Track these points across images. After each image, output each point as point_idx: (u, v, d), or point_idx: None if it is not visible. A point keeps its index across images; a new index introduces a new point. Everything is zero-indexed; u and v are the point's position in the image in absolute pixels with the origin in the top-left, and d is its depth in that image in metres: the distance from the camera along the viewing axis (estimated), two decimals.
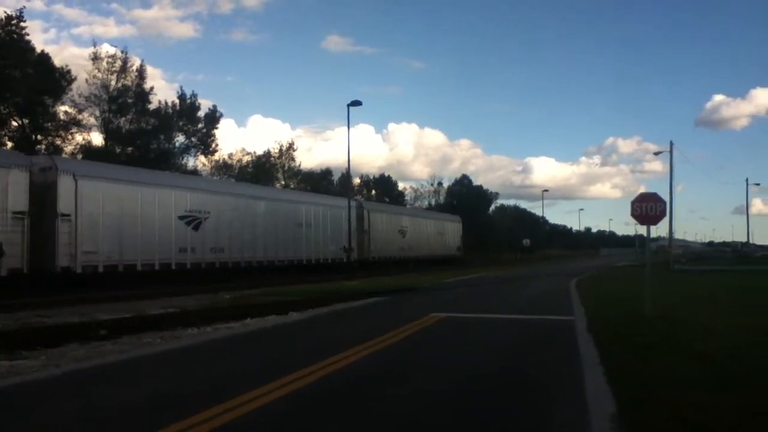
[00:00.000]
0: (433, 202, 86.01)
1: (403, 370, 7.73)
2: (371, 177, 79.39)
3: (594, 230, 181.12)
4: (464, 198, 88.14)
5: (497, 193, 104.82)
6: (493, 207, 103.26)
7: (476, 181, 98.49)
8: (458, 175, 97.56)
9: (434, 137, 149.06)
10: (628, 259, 71.77)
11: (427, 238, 51.00)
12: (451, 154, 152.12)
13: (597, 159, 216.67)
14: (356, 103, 32.47)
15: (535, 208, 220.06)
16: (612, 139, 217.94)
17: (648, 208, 13.93)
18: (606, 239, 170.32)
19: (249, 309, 16.25)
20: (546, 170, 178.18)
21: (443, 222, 57.14)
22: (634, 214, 14.09)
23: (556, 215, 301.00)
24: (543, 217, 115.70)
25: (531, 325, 12.70)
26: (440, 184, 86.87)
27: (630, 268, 44.61)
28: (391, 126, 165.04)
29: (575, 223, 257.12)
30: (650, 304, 13.58)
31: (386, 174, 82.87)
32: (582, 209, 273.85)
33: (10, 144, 33.26)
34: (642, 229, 16.75)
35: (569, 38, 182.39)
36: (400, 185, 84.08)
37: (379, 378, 7.20)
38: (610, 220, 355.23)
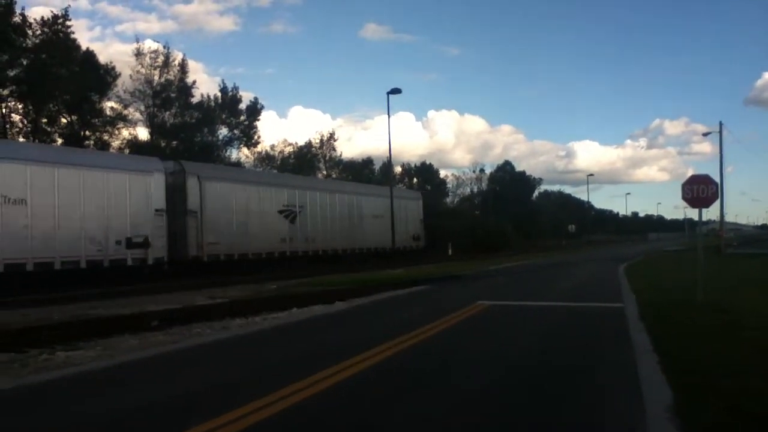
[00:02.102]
0: (475, 189, 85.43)
1: (451, 360, 7.67)
2: (412, 165, 79.22)
3: (641, 215, 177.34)
4: (507, 184, 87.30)
5: (540, 179, 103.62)
6: (536, 193, 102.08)
7: (519, 167, 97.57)
8: (500, 162, 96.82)
9: (475, 123, 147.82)
10: (678, 244, 70.15)
11: (350, 222, 36.47)
12: (492, 140, 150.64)
13: (643, 141, 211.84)
14: (396, 91, 32.35)
15: (579, 193, 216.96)
16: (658, 121, 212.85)
17: (699, 190, 13.53)
18: (654, 224, 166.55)
19: (295, 299, 16.43)
20: (590, 154, 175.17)
21: (386, 200, 38.22)
22: (685, 197, 13.70)
23: (601, 200, 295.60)
24: (588, 202, 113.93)
25: (580, 313, 12.49)
26: (482, 170, 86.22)
27: (679, 253, 43.56)
28: (431, 113, 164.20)
29: (622, 208, 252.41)
30: (702, 289, 13.22)
31: (427, 162, 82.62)
32: (628, 193, 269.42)
33: (60, 140, 34.19)
34: (691, 213, 16.26)
35: (612, 17, 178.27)
36: (442, 173, 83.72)
37: (426, 370, 7.15)
38: (658, 204, 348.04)
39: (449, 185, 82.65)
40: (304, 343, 9.31)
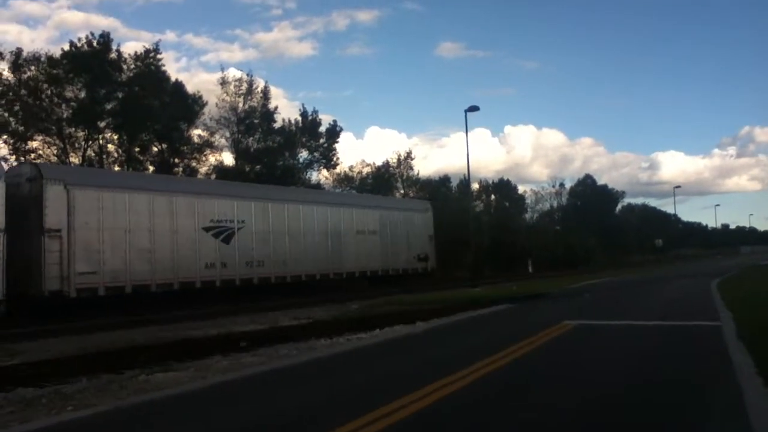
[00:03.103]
0: (555, 204, 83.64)
1: (540, 382, 7.54)
2: (490, 181, 78.49)
3: (732, 226, 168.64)
4: (588, 199, 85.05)
5: (623, 192, 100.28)
6: (619, 207, 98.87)
7: (600, 181, 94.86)
8: (581, 175, 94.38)
9: (553, 137, 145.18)
10: None
11: (325, 240, 29.05)
12: (571, 153, 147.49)
13: (732, 150, 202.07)
14: (474, 108, 32.24)
15: (665, 206, 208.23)
16: (748, 128, 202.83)
17: None
18: (746, 236, 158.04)
19: (376, 319, 16.52)
20: (675, 165, 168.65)
21: (383, 212, 33.01)
22: None
23: (689, 212, 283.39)
24: (675, 215, 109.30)
25: (673, 333, 11.99)
26: (562, 185, 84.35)
27: None
28: (508, 128, 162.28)
29: (711, 220, 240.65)
30: None
31: (505, 178, 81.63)
32: (718, 205, 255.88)
33: (151, 168, 35.92)
34: None
35: (696, 23, 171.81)
36: (520, 188, 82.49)
37: (513, 394, 7.05)
38: (750, 215, 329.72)
39: (528, 201, 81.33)
40: (387, 366, 9.35)
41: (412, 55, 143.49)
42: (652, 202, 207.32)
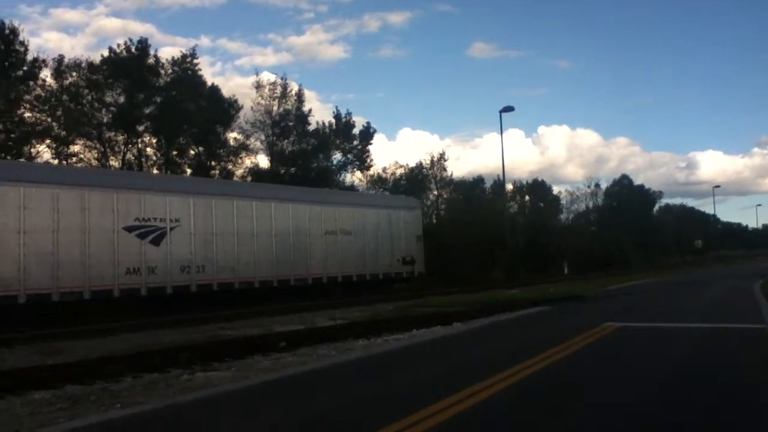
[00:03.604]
0: (590, 205, 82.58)
1: (586, 384, 7.45)
2: (524, 182, 77.86)
3: None
4: (625, 199, 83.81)
5: (661, 192, 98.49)
6: (657, 207, 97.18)
7: (637, 181, 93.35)
8: (616, 176, 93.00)
9: (587, 137, 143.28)
10: None
11: (286, 241, 25.91)
12: (606, 153, 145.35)
13: None
14: (508, 108, 32.05)
15: (704, 206, 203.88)
16: None
17: None
18: None
19: (413, 320, 16.51)
20: (713, 164, 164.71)
21: (361, 209, 29.94)
22: None
23: (728, 212, 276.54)
24: (714, 215, 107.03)
25: (717, 335, 11.74)
26: (597, 185, 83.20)
27: None
28: (541, 129, 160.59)
29: (751, 221, 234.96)
30: None
31: (539, 178, 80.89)
32: (759, 205, 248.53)
33: (188, 171, 36.45)
34: None
35: (732, 19, 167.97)
36: (555, 189, 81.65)
37: (558, 397, 6.97)
38: None
39: (563, 201, 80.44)
40: (429, 366, 9.34)
41: (444, 57, 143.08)
42: (690, 203, 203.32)
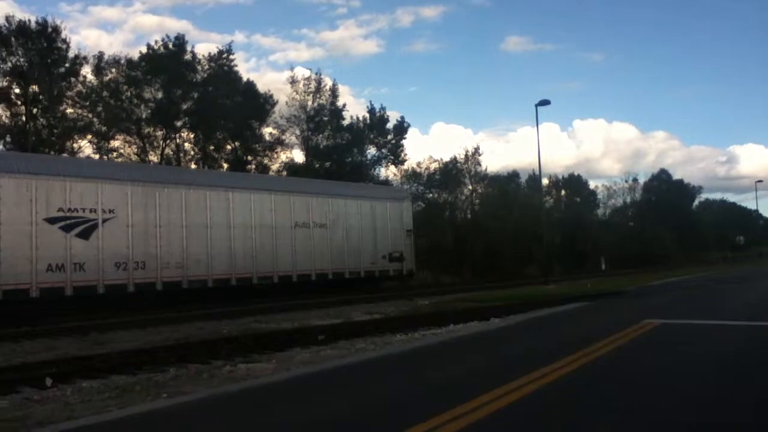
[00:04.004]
0: (628, 200, 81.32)
1: (627, 382, 7.35)
2: (560, 177, 76.99)
3: None
4: (663, 194, 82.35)
5: (701, 187, 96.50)
6: (696, 202, 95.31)
7: (675, 175, 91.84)
8: (655, 170, 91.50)
9: (624, 131, 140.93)
10: None
11: (252, 235, 24.00)
12: (644, 147, 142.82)
13: None
14: (544, 102, 31.71)
15: (745, 201, 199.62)
16: None
17: None
18: None
19: (449, 316, 16.49)
20: (755, 158, 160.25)
21: (337, 200, 27.48)
22: None
23: None
24: (756, 211, 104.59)
25: (764, 333, 11.48)
26: (635, 180, 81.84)
27: None
28: (577, 123, 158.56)
29: None
30: None
31: (575, 173, 79.89)
32: None
33: (225, 165, 36.90)
34: None
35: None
36: (591, 184, 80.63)
37: (599, 394, 6.90)
38: None
39: (599, 196, 79.33)
40: (467, 361, 9.32)
41: (477, 50, 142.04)
42: (731, 198, 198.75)
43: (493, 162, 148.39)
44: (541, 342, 11.09)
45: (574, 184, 75.80)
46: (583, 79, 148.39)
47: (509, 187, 57.82)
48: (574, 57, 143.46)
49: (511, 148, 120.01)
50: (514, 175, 63.72)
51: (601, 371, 7.91)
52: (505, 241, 46.92)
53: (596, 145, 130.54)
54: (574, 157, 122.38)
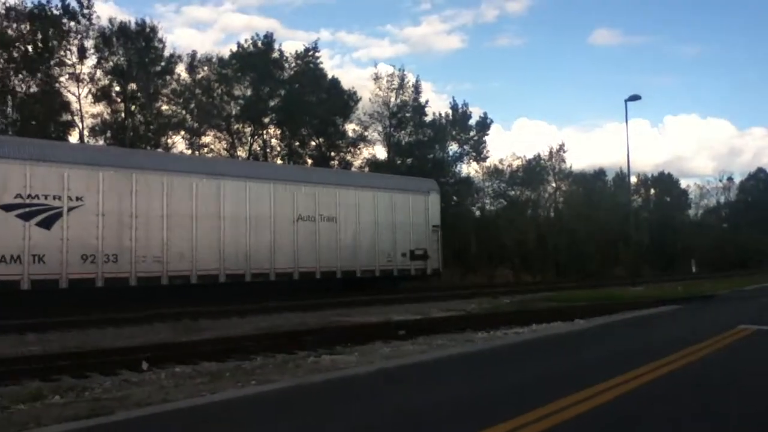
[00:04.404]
0: (722, 200, 77.49)
1: (720, 389, 7.06)
2: (649, 175, 74.21)
3: None
4: (761, 194, 77.90)
5: None
6: None
7: None
8: (752, 169, 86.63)
9: (719, 127, 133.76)
10: None
11: (246, 228, 21.99)
12: (740, 145, 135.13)
13: None
14: (635, 97, 30.60)
15: None
16: None
17: None
18: None
19: (532, 315, 16.26)
20: None
21: (340, 190, 24.97)
22: None
23: None
24: None
25: None
26: (730, 179, 77.88)
27: None
28: (668, 118, 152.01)
29: None
30: None
31: (665, 171, 76.76)
32: None
33: (310, 161, 37.68)
34: None
35: None
36: (683, 182, 77.19)
37: (691, 400, 6.67)
38: None
39: (691, 196, 75.96)
40: (550, 362, 9.19)
41: (563, 44, 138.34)
42: None
43: (579, 159, 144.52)
44: (626, 345, 10.81)
45: (664, 182, 72.88)
46: (676, 73, 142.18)
47: (595, 185, 56.26)
48: (667, 50, 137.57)
49: (597, 145, 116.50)
50: (600, 173, 61.87)
51: (690, 379, 7.61)
52: (589, 240, 45.74)
53: (688, 142, 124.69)
54: (665, 154, 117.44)
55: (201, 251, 20.70)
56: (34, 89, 29.34)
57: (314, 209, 23.69)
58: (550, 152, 54.19)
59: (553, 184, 54.28)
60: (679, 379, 7.51)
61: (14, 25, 28.81)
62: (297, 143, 37.86)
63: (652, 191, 70.40)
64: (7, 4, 28.40)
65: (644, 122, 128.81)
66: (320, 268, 23.64)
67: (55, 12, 29.63)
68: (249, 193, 22.09)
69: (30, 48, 29.16)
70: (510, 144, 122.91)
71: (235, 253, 21.51)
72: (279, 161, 36.34)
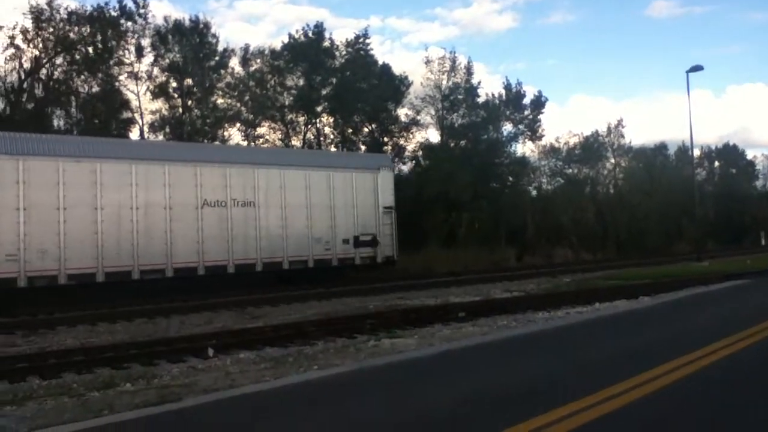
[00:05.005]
0: None
1: None
2: (713, 147, 71.49)
3: None
4: None
5: None
6: None
7: None
8: None
9: None
10: None
11: (133, 217, 18.80)
12: None
13: None
14: (697, 68, 29.48)
15: None
16: None
17: None
18: None
19: (594, 293, 15.96)
20: None
21: (258, 171, 21.49)
22: None
23: None
24: None
25: None
26: None
27: None
28: (732, 88, 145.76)
29: None
30: None
31: (730, 142, 73.75)
32: None
33: (363, 147, 37.82)
34: None
35: None
36: (749, 154, 74.14)
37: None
38: None
39: (759, 167, 72.80)
40: (616, 341, 9.02)
41: (619, 18, 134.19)
42: None
43: (638, 134, 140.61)
44: (696, 322, 10.51)
45: (729, 154, 70.09)
46: (740, 42, 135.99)
47: (656, 160, 54.61)
48: (728, 18, 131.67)
49: (657, 119, 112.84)
50: (661, 147, 59.93)
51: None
52: (651, 216, 44.49)
53: (755, 112, 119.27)
54: (729, 125, 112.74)
55: (71, 247, 17.73)
56: (95, 89, 30.34)
57: (224, 193, 20.59)
58: (608, 128, 52.83)
59: (612, 161, 52.93)
60: (756, 354, 7.28)
61: (76, 29, 29.79)
62: (350, 130, 37.99)
63: (717, 164, 67.86)
64: (69, 9, 29.40)
65: (706, 93, 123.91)
66: (233, 260, 20.47)
67: (113, 13, 30.45)
68: (136, 177, 18.94)
69: (90, 50, 30.09)
70: (566, 122, 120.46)
71: (116, 247, 18.47)
72: (332, 149, 36.56)
